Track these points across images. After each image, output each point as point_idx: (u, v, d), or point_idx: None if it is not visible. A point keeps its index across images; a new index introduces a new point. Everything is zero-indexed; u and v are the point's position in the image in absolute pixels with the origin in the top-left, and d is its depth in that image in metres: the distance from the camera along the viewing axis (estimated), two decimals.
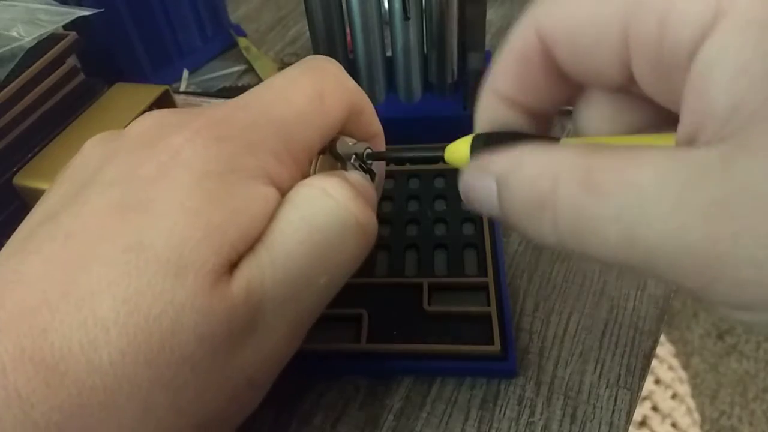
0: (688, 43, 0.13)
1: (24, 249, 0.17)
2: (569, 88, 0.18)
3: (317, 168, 0.22)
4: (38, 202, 0.20)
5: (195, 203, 0.17)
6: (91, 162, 0.19)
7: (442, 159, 0.20)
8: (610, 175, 0.13)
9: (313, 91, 0.20)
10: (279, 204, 0.19)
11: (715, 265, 0.12)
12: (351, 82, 0.22)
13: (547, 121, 0.20)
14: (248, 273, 0.17)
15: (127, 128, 0.20)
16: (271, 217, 0.18)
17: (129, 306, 0.15)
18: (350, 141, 0.23)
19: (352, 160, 0.22)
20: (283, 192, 0.19)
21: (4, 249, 0.18)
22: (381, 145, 0.24)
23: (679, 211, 0.12)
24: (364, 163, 0.23)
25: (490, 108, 0.19)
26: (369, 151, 0.23)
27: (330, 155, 0.22)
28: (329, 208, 0.19)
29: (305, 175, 0.21)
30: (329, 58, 0.22)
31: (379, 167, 0.24)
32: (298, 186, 0.19)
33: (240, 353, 0.17)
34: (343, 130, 0.22)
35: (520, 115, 0.19)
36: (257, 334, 0.17)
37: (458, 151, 0.19)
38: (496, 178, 0.16)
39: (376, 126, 0.24)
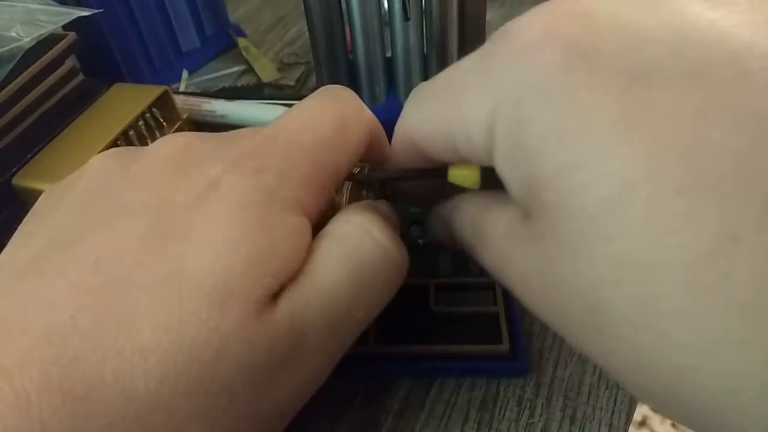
0: (485, 162, 0.17)
1: (40, 271, 0.16)
2: None
3: (347, 197, 0.22)
4: (37, 216, 0.19)
5: (236, 234, 0.17)
6: (107, 181, 0.19)
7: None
8: (484, 230, 0.18)
9: (337, 119, 0.21)
10: (313, 235, 0.19)
11: (541, 308, 0.16)
12: (368, 110, 0.22)
13: None
14: (291, 302, 0.17)
15: (148, 149, 0.20)
16: (308, 248, 0.18)
17: (171, 334, 0.15)
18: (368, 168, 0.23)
19: (376, 187, 0.23)
20: (311, 219, 0.19)
21: (2, 266, 0.17)
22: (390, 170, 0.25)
23: (511, 266, 0.17)
24: (384, 188, 0.23)
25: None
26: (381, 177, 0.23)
27: (356, 183, 0.23)
28: (371, 248, 0.19)
29: (331, 202, 0.21)
30: (344, 87, 0.23)
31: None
32: (337, 222, 0.20)
33: (277, 384, 0.17)
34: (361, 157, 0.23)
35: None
36: (295, 365, 0.17)
37: (464, 175, 0.20)
38: (449, 221, 0.21)
39: (388, 151, 0.24)
